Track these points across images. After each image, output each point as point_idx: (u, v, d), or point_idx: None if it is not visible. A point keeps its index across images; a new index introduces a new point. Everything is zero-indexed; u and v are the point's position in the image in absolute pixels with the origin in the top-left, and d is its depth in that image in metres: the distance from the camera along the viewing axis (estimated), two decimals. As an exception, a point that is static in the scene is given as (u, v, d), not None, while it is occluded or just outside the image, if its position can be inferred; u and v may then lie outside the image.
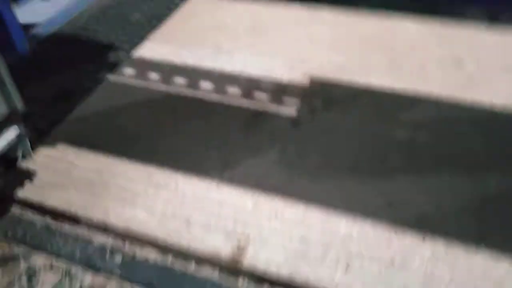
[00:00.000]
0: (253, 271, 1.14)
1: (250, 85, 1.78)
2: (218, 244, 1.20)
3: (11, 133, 1.40)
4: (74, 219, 1.33)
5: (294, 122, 1.61)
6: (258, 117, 1.63)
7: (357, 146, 1.50)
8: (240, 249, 1.19)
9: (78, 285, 1.18)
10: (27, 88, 1.81)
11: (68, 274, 1.20)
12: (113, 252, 1.25)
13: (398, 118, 1.60)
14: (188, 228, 1.25)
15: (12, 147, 1.41)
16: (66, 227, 1.33)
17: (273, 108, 1.67)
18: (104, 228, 1.29)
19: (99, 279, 1.19)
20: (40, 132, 1.64)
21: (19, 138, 1.42)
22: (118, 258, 1.23)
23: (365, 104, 1.67)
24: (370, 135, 1.54)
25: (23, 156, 1.46)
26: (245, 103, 1.70)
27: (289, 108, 1.67)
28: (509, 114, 1.59)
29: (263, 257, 1.17)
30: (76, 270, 1.21)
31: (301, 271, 1.13)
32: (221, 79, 1.83)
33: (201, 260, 1.19)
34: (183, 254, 1.22)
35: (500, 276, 1.09)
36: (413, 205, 1.29)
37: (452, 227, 1.22)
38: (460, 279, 1.09)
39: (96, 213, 1.32)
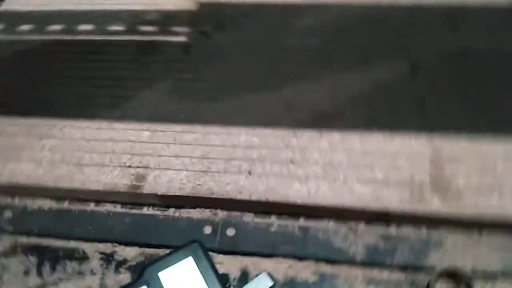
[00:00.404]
0: (155, 195, 1.09)
1: (134, 20, 1.65)
2: (114, 179, 1.13)
3: None
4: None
5: (186, 48, 1.52)
6: (146, 49, 1.53)
7: (253, 61, 1.46)
8: (139, 179, 1.13)
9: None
10: None
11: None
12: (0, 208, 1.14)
13: (289, 27, 1.57)
14: (80, 170, 1.16)
15: None
16: None
17: (162, 38, 1.57)
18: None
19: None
20: None
21: None
22: (7, 214, 1.11)
23: (257, 20, 1.62)
24: (264, 48, 1.50)
25: None
26: (131, 38, 1.58)
27: (179, 36, 1.58)
28: (395, 9, 1.62)
29: (164, 181, 1.11)
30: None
31: (204, 185, 1.10)
32: (102, 19, 1.67)
33: (99, 197, 1.12)
34: (78, 197, 1.14)
35: (394, 150, 1.14)
36: (309, 106, 1.30)
37: (347, 119, 1.24)
38: (357, 160, 1.12)
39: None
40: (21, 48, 1.58)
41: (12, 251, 1.02)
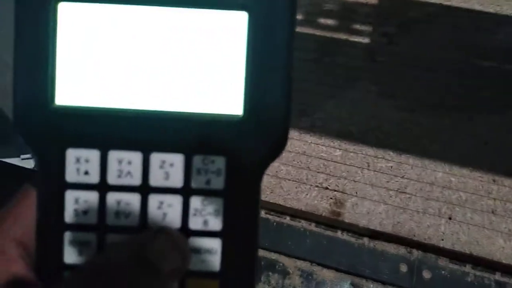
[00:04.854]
0: (354, 224, 1.15)
1: (313, 8, 1.59)
2: (314, 201, 1.19)
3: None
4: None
5: (370, 53, 1.47)
6: (328, 48, 1.49)
7: (443, 78, 1.39)
8: (338, 204, 1.18)
9: None
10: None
11: None
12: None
13: (485, 42, 1.45)
14: (279, 183, 1.23)
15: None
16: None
17: (343, 36, 1.51)
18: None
19: None
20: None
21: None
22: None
23: (444, 27, 1.51)
24: (453, 64, 1.42)
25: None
26: (311, 32, 1.54)
27: (362, 37, 1.51)
28: None
29: (364, 212, 1.16)
30: None
31: (405, 224, 1.14)
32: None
33: (297, 214, 1.19)
34: (276, 209, 1.22)
35: None
36: (509, 146, 1.25)
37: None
38: None
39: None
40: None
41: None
